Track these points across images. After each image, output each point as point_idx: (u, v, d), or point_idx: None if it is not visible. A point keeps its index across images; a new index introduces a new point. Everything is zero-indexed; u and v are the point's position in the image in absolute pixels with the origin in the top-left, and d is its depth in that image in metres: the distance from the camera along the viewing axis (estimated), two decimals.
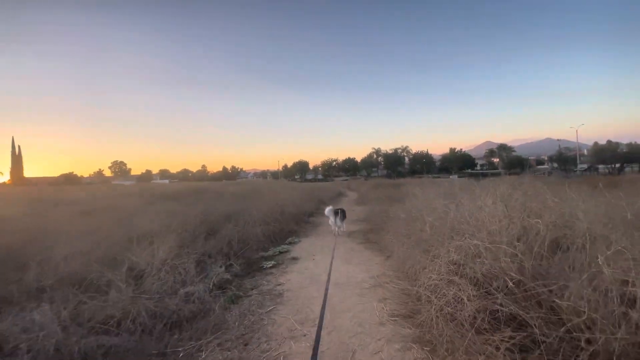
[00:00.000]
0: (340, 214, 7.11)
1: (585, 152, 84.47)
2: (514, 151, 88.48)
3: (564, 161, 71.13)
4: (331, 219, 7.09)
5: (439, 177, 44.55)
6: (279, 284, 4.03)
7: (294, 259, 5.31)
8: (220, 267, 4.48)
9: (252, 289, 3.92)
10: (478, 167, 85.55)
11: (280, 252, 5.74)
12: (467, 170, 75.93)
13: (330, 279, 4.17)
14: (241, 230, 6.14)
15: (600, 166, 57.18)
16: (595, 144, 79.61)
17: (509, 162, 73.44)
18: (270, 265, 4.86)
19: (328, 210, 7.39)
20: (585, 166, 62.63)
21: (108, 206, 10.75)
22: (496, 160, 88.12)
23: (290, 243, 6.61)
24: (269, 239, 6.43)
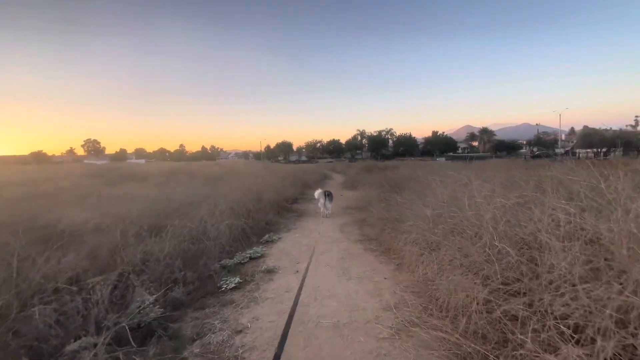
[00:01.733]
0: (329, 196, 7.35)
1: (563, 137, 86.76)
2: (494, 135, 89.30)
3: (543, 145, 73.14)
4: (320, 201, 7.27)
5: (423, 160, 43.65)
6: (239, 331, 2.44)
7: (270, 271, 3.72)
8: (151, 293, 2.85)
9: (194, 341, 2.33)
10: (459, 151, 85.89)
11: (252, 258, 4.16)
12: (449, 154, 76.03)
13: (324, 314, 2.64)
14: (198, 227, 4.47)
15: (580, 151, 57.98)
16: (572, 129, 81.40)
17: (494, 145, 74.14)
18: (233, 285, 3.26)
19: (318, 193, 7.54)
20: (562, 150, 64.14)
21: (60, 189, 8.87)
22: (475, 143, 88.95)
23: (266, 242, 5.02)
24: (237, 239, 4.80)
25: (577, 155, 50.94)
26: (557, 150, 66.38)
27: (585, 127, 68.50)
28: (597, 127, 58.61)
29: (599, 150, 43.75)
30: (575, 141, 71.77)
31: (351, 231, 5.70)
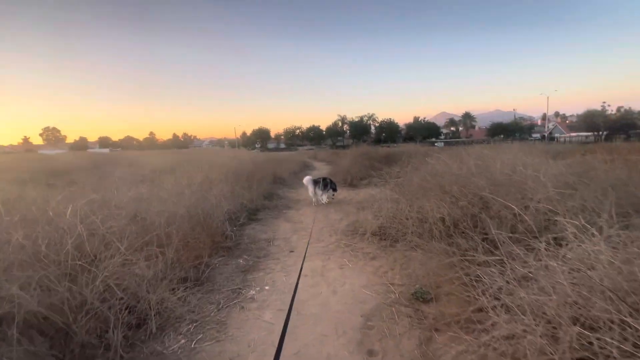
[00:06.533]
0: (322, 182, 6.52)
1: (539, 122, 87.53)
2: (476, 120, 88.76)
3: (521, 130, 73.48)
4: (310, 189, 6.56)
5: (422, 146, 40.15)
6: None
7: None
8: None
9: None
10: (442, 136, 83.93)
11: None
12: (433, 139, 73.51)
13: None
14: None
15: (558, 135, 56.82)
16: (542, 114, 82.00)
17: (493, 129, 72.92)
18: None
19: (307, 179, 6.72)
20: (538, 135, 64.14)
21: None
22: (453, 129, 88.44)
23: None
24: None
25: (555, 139, 49.35)
26: (534, 136, 65.79)
27: (556, 112, 68.39)
28: (566, 113, 57.38)
29: (600, 133, 41.70)
30: (554, 126, 71.70)
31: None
